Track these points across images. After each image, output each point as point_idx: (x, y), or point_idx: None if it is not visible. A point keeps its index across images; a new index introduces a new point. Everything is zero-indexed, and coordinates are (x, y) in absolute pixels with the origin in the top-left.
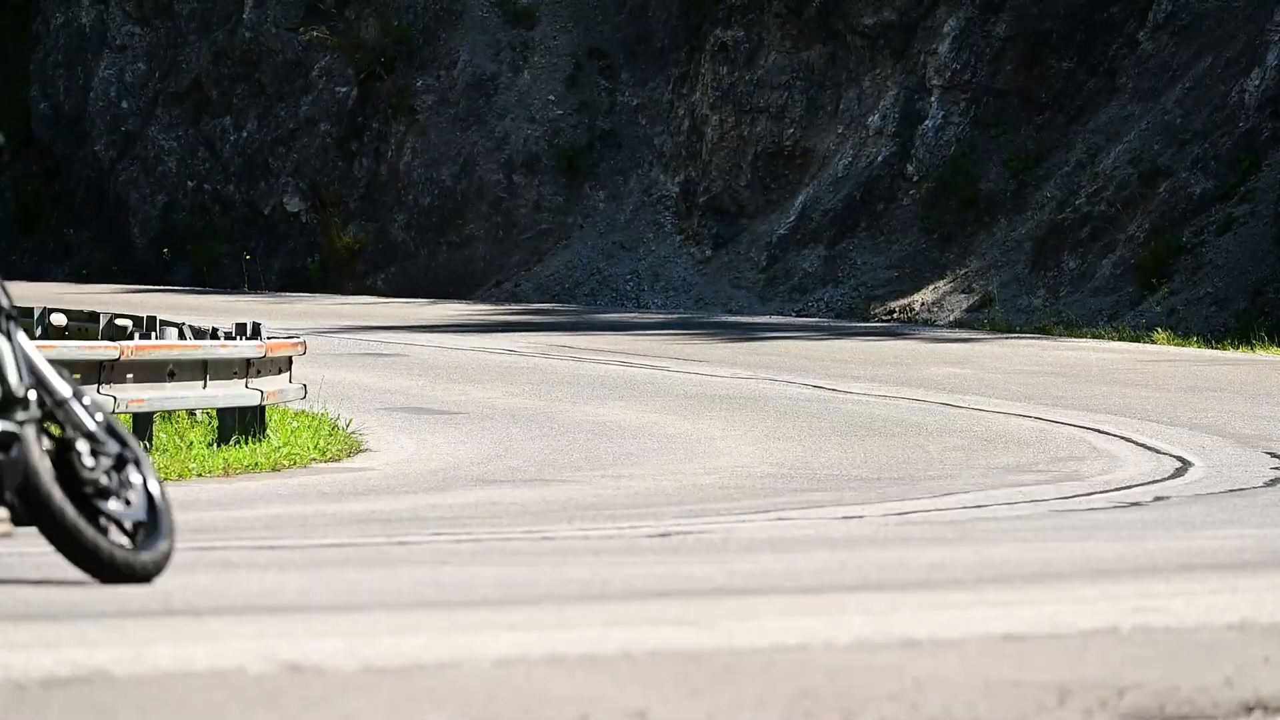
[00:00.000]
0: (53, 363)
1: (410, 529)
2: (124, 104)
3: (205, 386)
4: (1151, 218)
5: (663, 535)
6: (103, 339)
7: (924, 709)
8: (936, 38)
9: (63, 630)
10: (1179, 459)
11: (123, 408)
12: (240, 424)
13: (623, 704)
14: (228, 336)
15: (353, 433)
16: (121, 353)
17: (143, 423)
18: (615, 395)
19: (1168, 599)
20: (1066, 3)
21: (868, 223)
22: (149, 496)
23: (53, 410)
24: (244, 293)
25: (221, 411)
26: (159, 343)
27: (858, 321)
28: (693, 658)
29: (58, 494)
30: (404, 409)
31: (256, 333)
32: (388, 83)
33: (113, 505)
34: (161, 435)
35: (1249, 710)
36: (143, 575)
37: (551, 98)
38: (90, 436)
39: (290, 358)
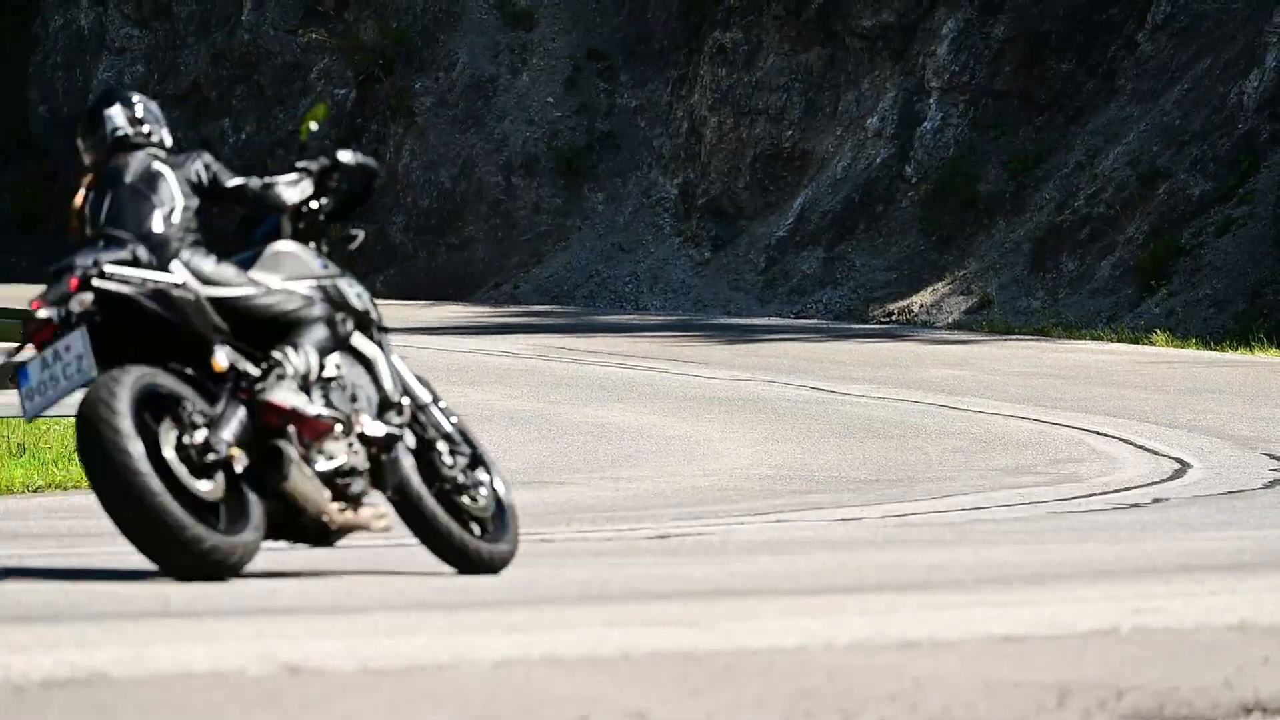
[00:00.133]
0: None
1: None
2: None
3: None
4: (1150, 219)
5: (661, 537)
6: None
7: (924, 709)
8: (935, 39)
9: (62, 632)
10: (1178, 461)
11: None
12: None
13: (622, 704)
14: None
15: None
16: None
17: None
18: (614, 397)
19: (1167, 600)
20: (1065, 4)
21: (866, 224)
22: (495, 494)
23: (415, 414)
24: None
25: None
26: None
27: (856, 323)
28: (692, 658)
29: (425, 491)
30: None
31: None
32: (386, 84)
33: (467, 501)
34: None
35: (1248, 711)
36: (494, 566)
37: (550, 99)
38: (448, 438)
39: None
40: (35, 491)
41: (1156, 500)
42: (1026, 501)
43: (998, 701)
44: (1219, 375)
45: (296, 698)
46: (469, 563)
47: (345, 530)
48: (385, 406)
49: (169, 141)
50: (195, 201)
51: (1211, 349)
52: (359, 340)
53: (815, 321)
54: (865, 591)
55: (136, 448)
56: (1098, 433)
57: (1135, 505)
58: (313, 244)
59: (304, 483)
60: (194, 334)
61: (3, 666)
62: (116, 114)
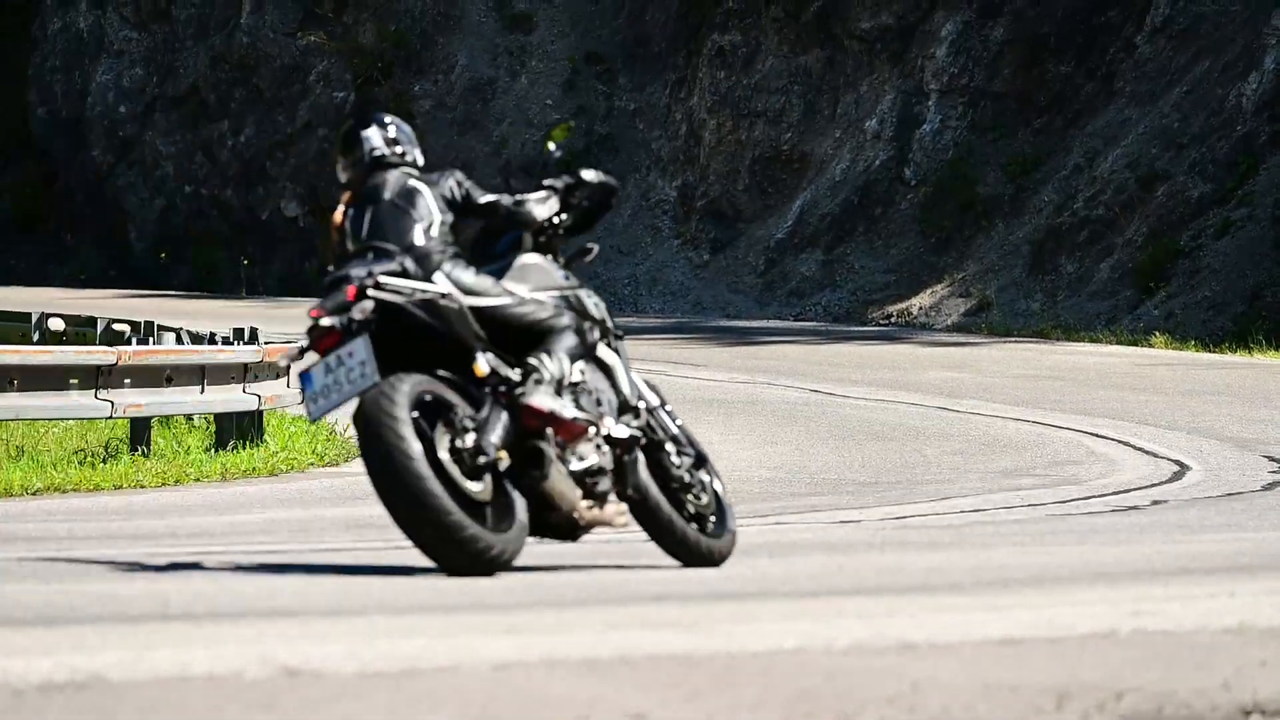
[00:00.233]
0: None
1: None
2: (122, 109)
3: (203, 391)
4: (1149, 221)
5: None
6: (100, 344)
7: (922, 712)
8: (934, 41)
9: (60, 634)
10: (1177, 463)
11: (120, 413)
12: (238, 429)
13: (621, 707)
14: (225, 341)
15: (350, 438)
16: (119, 358)
17: (140, 428)
18: None
19: (1165, 602)
20: (1064, 6)
21: (865, 226)
22: (715, 493)
23: (645, 416)
24: (242, 297)
25: (219, 416)
26: (156, 348)
27: (855, 325)
28: (691, 661)
29: (655, 490)
30: None
31: (254, 338)
32: (385, 87)
33: (692, 499)
34: (159, 440)
35: (1246, 714)
36: (717, 561)
37: (549, 102)
38: (675, 440)
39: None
40: (33, 494)
41: (1155, 502)
42: (1025, 504)
43: (996, 704)
44: (1218, 377)
45: (296, 700)
46: (695, 557)
47: (591, 526)
48: (623, 410)
49: (420, 160)
50: (450, 216)
51: (1210, 351)
52: (599, 347)
53: (814, 324)
54: (864, 594)
55: (417, 451)
56: (1096, 435)
57: (1134, 508)
58: (549, 256)
59: (560, 481)
60: (457, 341)
61: (1, 670)
62: (373, 135)
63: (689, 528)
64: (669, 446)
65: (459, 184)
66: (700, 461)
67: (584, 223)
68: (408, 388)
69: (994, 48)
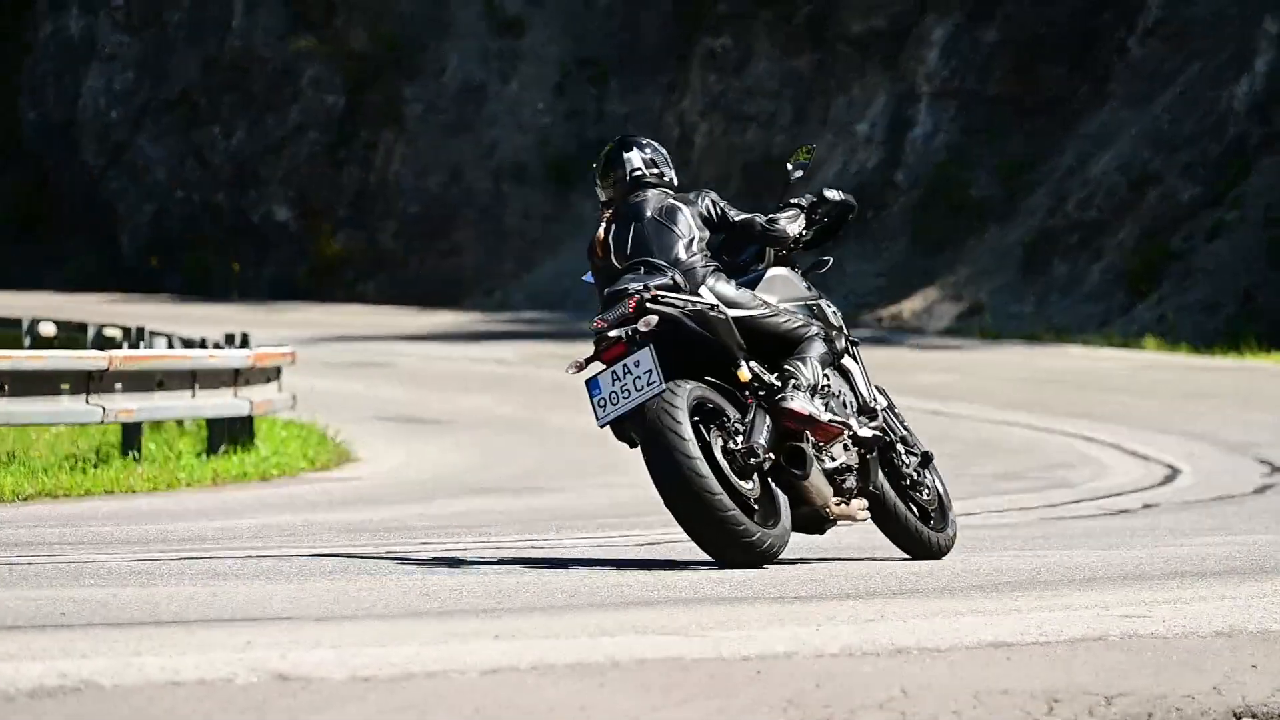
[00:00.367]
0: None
1: (399, 538)
2: (113, 113)
3: (194, 396)
4: (1141, 224)
5: (651, 544)
6: (91, 348)
7: (913, 717)
8: (926, 45)
9: (51, 640)
10: (1168, 466)
11: (111, 418)
12: (229, 434)
13: (612, 711)
14: (216, 346)
15: (341, 442)
16: (110, 362)
17: (131, 432)
18: None
19: (1156, 606)
20: (1057, 9)
21: (857, 230)
22: (938, 489)
23: (881, 417)
24: (233, 301)
25: (210, 421)
26: (147, 352)
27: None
28: (681, 666)
29: (888, 486)
30: (393, 418)
31: (245, 342)
32: (376, 91)
33: (920, 495)
34: (150, 445)
35: (1237, 717)
36: (941, 553)
37: (540, 106)
38: (904, 440)
39: (279, 367)
40: (24, 500)
41: (1147, 506)
42: (1017, 507)
43: (987, 709)
44: (1209, 380)
45: (285, 706)
46: (924, 550)
47: (837, 520)
48: (862, 412)
49: (675, 180)
50: (707, 233)
51: (1202, 353)
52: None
53: None
54: (855, 598)
55: (697, 453)
56: (1088, 438)
57: (1125, 511)
58: (791, 267)
59: (818, 479)
60: (723, 349)
61: None
62: (634, 157)
63: (919, 523)
64: (899, 447)
65: (714, 203)
66: (926, 460)
67: (823, 237)
68: (686, 393)
69: (985, 51)
